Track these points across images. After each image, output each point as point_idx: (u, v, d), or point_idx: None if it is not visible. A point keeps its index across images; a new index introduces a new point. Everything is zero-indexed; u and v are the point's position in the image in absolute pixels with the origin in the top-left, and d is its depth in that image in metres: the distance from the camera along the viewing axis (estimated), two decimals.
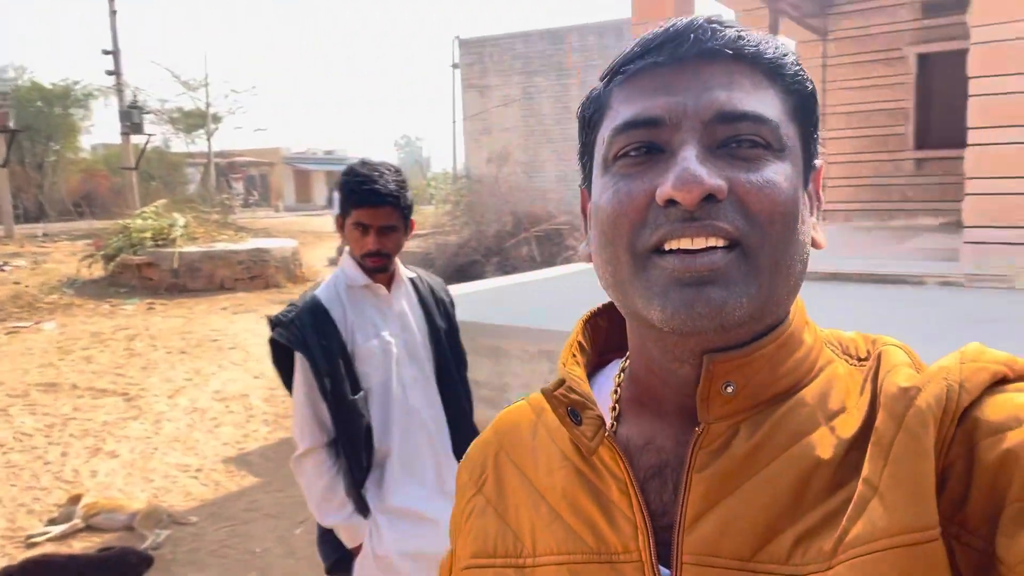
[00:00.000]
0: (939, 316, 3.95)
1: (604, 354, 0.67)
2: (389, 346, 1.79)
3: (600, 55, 13.42)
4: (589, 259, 0.60)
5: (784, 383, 0.54)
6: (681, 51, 0.52)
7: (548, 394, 0.58)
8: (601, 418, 0.56)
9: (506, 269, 9.47)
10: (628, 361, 0.62)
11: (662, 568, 0.51)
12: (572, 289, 5.62)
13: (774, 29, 7.71)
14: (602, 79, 0.58)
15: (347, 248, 1.84)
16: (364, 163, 1.77)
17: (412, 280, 1.91)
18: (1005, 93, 4.51)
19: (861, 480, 0.47)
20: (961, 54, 8.36)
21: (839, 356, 0.57)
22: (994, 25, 4.49)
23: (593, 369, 0.66)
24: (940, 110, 8.89)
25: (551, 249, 10.30)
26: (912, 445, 0.46)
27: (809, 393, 0.53)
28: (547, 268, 8.01)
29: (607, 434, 0.55)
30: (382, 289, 1.81)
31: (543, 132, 14.18)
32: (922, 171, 9.02)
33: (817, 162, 0.58)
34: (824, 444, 0.50)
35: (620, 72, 0.55)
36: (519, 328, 4.13)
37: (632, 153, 0.53)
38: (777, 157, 0.52)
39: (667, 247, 0.50)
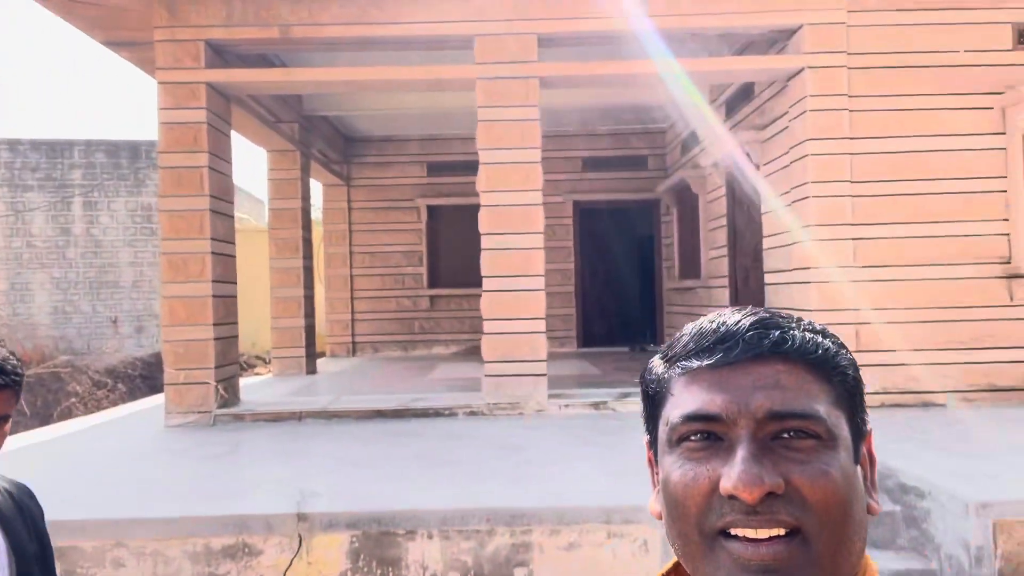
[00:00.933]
0: (473, 446, 4.32)
1: None
2: None
3: (113, 174, 12.08)
4: (659, 516, 0.65)
5: None
6: (732, 356, 0.60)
7: None
8: None
9: None
10: None
11: None
12: (87, 452, 4.57)
13: (305, 171, 8.00)
14: (663, 360, 0.66)
15: None
16: None
17: None
18: (505, 249, 5.39)
19: None
20: (460, 208, 9.96)
21: None
22: (496, 192, 5.39)
23: None
24: (447, 254, 10.30)
25: (46, 397, 8.44)
26: None
27: None
28: (44, 426, 6.47)
29: None
30: None
31: (35, 256, 11.91)
32: (435, 307, 10.21)
33: (867, 428, 0.63)
34: None
35: (680, 366, 0.63)
36: None
37: (694, 438, 0.59)
38: (827, 447, 0.58)
39: (732, 532, 0.56)
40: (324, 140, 9.00)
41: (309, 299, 8.04)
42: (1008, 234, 5.21)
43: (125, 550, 3.08)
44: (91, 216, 12.00)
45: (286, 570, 3.05)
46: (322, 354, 10.22)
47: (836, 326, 5.16)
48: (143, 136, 12.34)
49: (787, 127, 5.67)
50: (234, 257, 5.86)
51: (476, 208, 5.48)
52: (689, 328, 0.65)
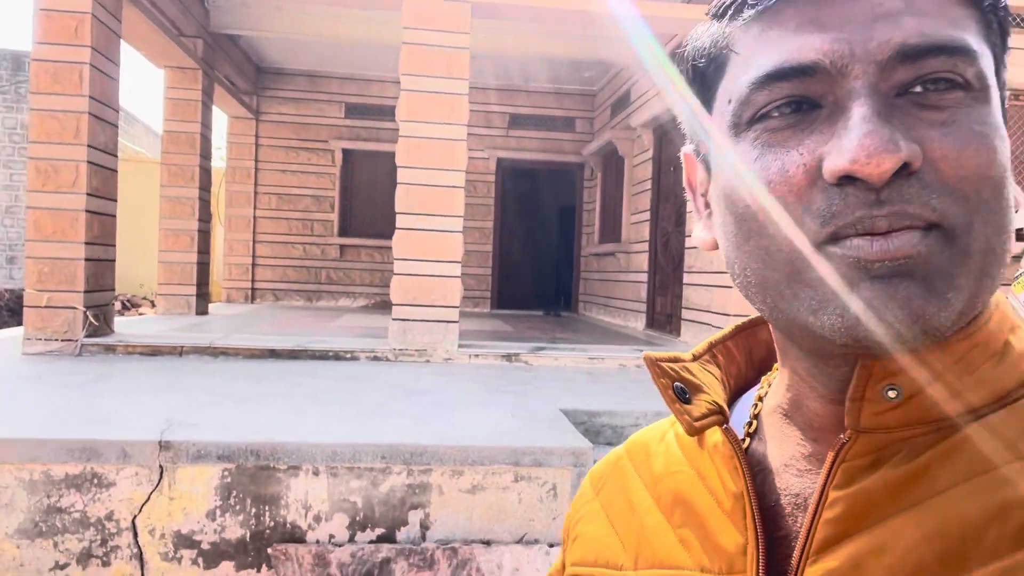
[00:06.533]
0: (374, 388, 3.97)
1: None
2: None
3: None
4: (712, 246, 0.49)
5: (975, 397, 0.40)
6: None
7: (651, 360, 0.51)
8: (720, 408, 0.49)
9: None
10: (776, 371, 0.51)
11: None
12: None
13: (208, 94, 7.31)
14: (717, 16, 0.45)
15: None
16: None
17: None
18: (423, 185, 5.01)
19: None
20: (379, 155, 9.44)
21: None
22: (417, 123, 4.99)
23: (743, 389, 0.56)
24: (362, 202, 9.78)
25: None
26: None
27: (1014, 413, 0.40)
28: None
29: (725, 426, 0.48)
30: None
31: None
32: (345, 257, 9.69)
33: (1005, 92, 0.44)
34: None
35: (749, 4, 0.42)
36: None
37: (776, 113, 0.40)
38: (979, 99, 0.39)
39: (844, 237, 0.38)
40: (232, 64, 8.28)
41: (204, 234, 7.38)
42: None
43: None
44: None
45: (143, 504, 2.63)
46: (217, 300, 9.54)
47: None
48: (27, 47, 11.03)
49: None
50: (115, 171, 5.22)
51: (395, 156, 5.08)
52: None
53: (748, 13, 0.42)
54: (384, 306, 9.06)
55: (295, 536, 2.68)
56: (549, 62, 8.48)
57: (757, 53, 0.41)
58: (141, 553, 2.63)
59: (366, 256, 9.70)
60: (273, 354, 4.91)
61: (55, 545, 2.61)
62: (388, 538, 2.72)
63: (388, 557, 2.64)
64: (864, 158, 0.36)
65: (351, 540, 2.70)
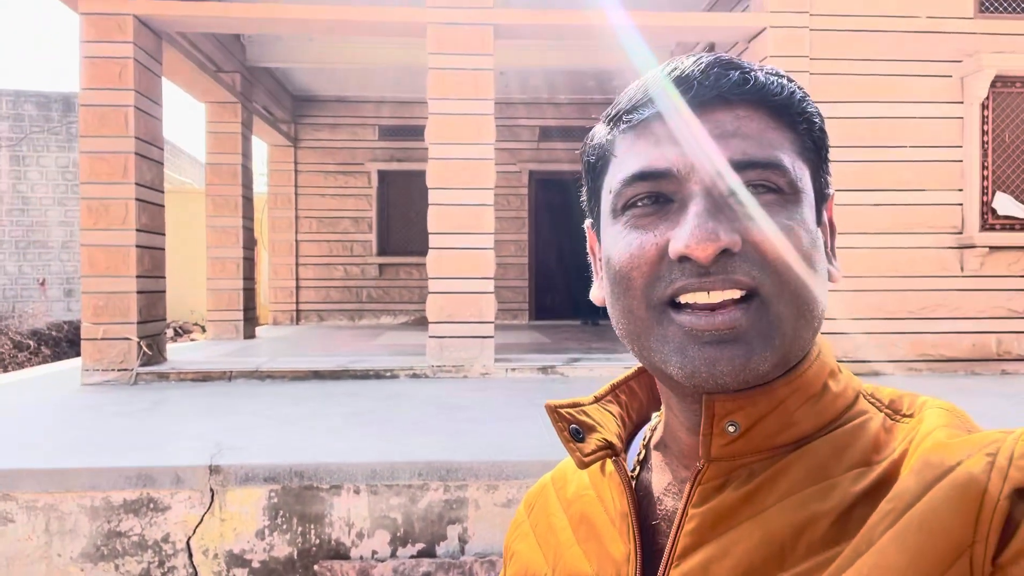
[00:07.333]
0: (412, 406, 4.08)
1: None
2: None
3: (44, 127, 11.34)
4: (602, 301, 0.59)
5: (799, 429, 0.51)
6: (686, 99, 0.51)
7: (550, 408, 0.60)
8: (609, 443, 0.58)
9: None
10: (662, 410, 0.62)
11: None
12: None
13: (247, 126, 7.59)
14: (606, 122, 0.57)
15: None
16: None
17: None
18: (453, 204, 5.13)
19: (860, 535, 0.44)
20: (413, 174, 9.63)
21: (881, 410, 0.53)
22: (446, 145, 5.12)
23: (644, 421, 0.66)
24: (398, 221, 9.98)
25: None
26: (932, 516, 0.42)
27: (828, 442, 0.50)
28: None
29: (615, 458, 0.58)
30: None
31: None
32: (384, 276, 9.90)
33: (829, 191, 0.56)
34: (832, 496, 0.47)
35: (624, 120, 0.54)
36: None
37: (640, 204, 0.52)
38: (790, 200, 0.51)
39: (682, 300, 0.50)
40: (269, 95, 8.56)
41: (248, 261, 7.64)
42: (961, 204, 5.17)
43: (13, 503, 2.76)
44: (18, 171, 11.26)
45: (196, 527, 2.77)
46: (265, 323, 9.82)
47: None
48: (76, 89, 11.59)
49: None
50: (162, 207, 5.47)
51: (426, 177, 5.22)
52: (636, 82, 0.55)
53: (624, 126, 0.54)
54: (424, 322, 9.22)
55: (339, 553, 2.80)
56: (575, 74, 8.57)
57: (629, 157, 0.53)
58: (196, 572, 2.77)
59: (404, 274, 9.88)
60: (316, 375, 5.07)
61: (116, 567, 2.78)
62: (428, 552, 2.81)
63: (429, 571, 2.74)
64: (694, 244, 0.48)
65: (393, 555, 2.81)
